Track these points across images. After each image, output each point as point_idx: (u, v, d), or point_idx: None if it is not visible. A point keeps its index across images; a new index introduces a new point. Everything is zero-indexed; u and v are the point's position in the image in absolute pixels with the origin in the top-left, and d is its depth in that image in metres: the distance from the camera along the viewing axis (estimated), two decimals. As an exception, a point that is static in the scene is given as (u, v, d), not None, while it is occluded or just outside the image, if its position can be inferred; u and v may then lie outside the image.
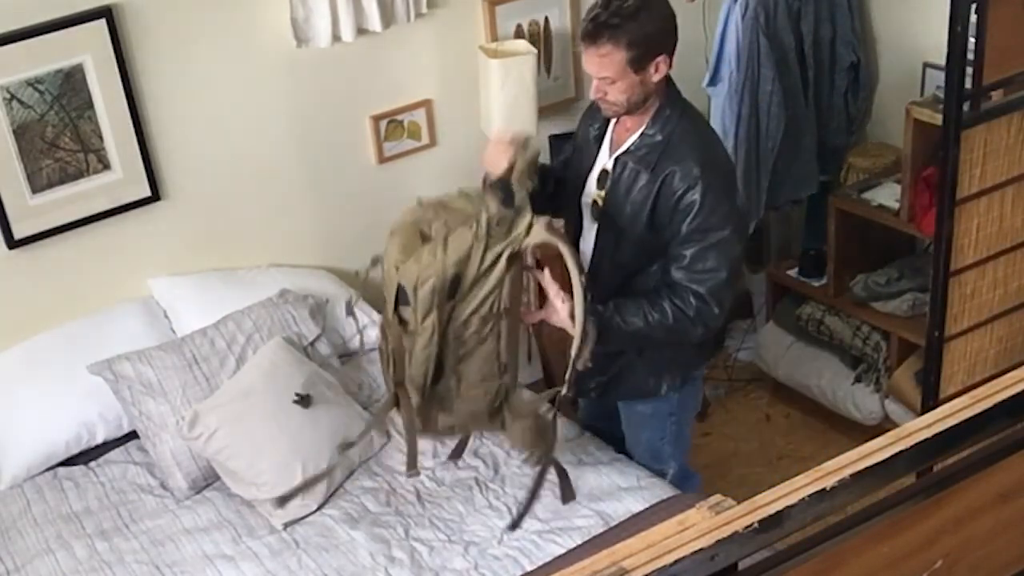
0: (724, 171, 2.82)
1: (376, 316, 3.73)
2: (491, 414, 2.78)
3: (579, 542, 2.91)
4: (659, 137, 2.76)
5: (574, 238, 2.97)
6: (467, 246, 2.62)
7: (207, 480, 3.21)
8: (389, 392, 2.83)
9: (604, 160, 2.89)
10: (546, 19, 4.09)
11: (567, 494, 2.86)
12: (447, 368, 2.71)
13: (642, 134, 2.79)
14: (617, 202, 2.83)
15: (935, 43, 3.47)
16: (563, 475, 2.83)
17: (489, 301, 2.65)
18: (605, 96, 2.74)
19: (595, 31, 2.65)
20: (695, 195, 2.69)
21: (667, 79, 2.79)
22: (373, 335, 3.68)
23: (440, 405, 2.76)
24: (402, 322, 2.69)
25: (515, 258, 2.64)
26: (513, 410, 2.79)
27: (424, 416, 2.76)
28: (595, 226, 2.91)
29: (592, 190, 2.91)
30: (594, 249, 2.91)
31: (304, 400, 3.17)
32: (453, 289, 2.63)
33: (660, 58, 2.68)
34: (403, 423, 2.84)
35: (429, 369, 2.69)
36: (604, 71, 2.68)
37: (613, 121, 2.88)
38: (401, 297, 2.68)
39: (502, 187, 2.68)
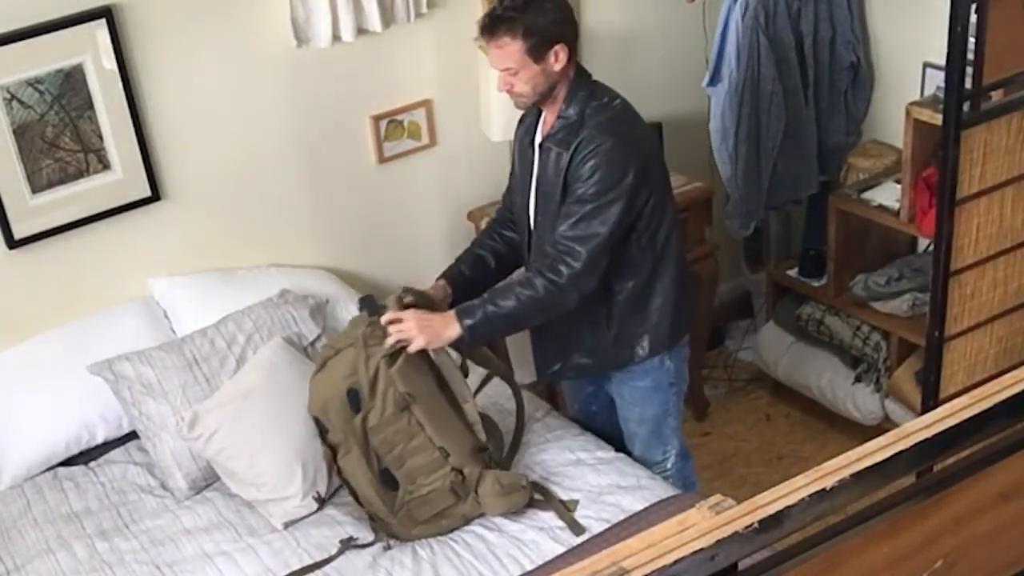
0: (635, 136, 2.91)
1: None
2: (457, 501, 2.94)
3: (579, 542, 2.91)
4: (574, 116, 2.88)
5: (525, 251, 3.11)
6: (351, 361, 2.92)
7: (207, 480, 3.21)
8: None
9: (536, 164, 3.00)
10: (546, 19, 4.08)
11: (575, 529, 2.95)
12: (398, 477, 2.95)
13: (558, 117, 2.90)
14: (547, 185, 2.93)
15: (935, 43, 3.47)
16: (563, 512, 2.97)
17: (390, 399, 2.89)
18: (512, 88, 2.89)
19: (492, 24, 2.83)
20: (593, 159, 2.82)
21: (575, 67, 2.92)
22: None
23: (410, 516, 2.95)
24: (333, 450, 3.01)
25: (393, 357, 2.88)
26: (479, 487, 2.95)
27: (405, 532, 2.95)
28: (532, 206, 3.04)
29: (534, 196, 3.03)
30: (532, 223, 3.03)
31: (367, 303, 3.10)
32: (354, 402, 2.93)
33: (558, 46, 2.82)
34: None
35: (375, 480, 2.95)
36: (505, 62, 2.84)
37: (541, 122, 2.99)
38: (320, 428, 3.03)
39: (367, 303, 3.02)
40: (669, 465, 3.24)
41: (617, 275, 2.96)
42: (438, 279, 3.16)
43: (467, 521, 2.97)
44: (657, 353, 3.09)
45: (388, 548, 2.91)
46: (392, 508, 2.96)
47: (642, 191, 2.87)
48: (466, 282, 3.13)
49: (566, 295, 2.87)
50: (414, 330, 2.86)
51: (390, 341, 2.87)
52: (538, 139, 2.99)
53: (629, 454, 3.24)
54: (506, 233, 3.23)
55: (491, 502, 2.94)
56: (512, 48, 2.81)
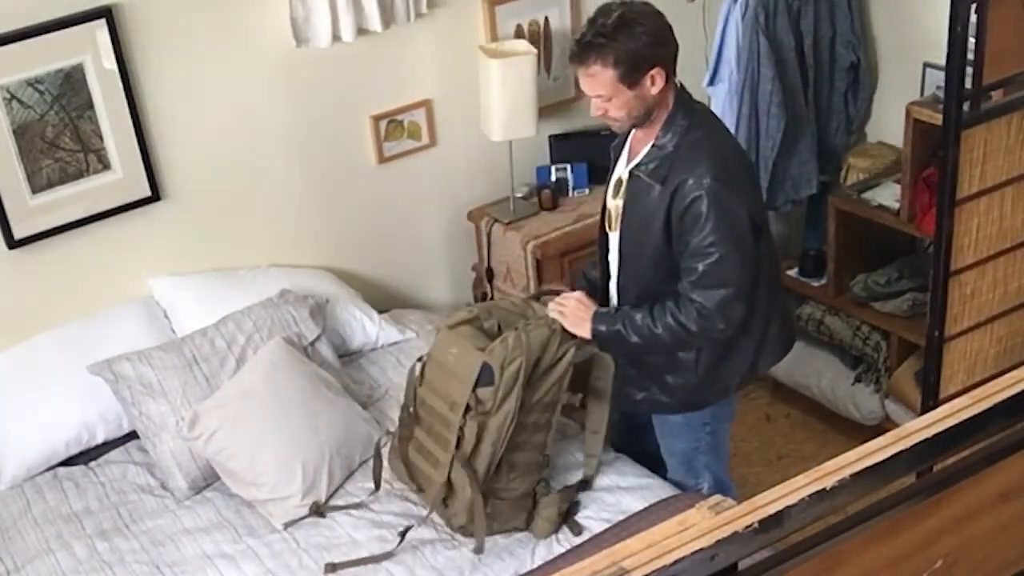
0: (737, 180, 2.77)
1: (376, 315, 3.74)
2: (520, 509, 2.94)
3: (579, 542, 2.91)
4: (669, 148, 2.75)
5: (601, 245, 3.04)
6: (545, 336, 2.84)
7: (207, 480, 3.21)
8: (439, 481, 2.91)
9: (621, 170, 2.90)
10: (546, 19, 4.09)
11: (575, 529, 2.97)
12: (503, 462, 2.90)
13: (653, 146, 2.78)
14: (633, 215, 2.83)
15: (935, 43, 3.46)
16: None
17: (552, 391, 2.88)
18: (606, 113, 2.76)
19: (581, 52, 2.68)
20: (702, 207, 2.68)
21: (675, 87, 2.78)
22: (374, 334, 3.70)
23: (488, 493, 2.89)
24: (479, 402, 2.84)
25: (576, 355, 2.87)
26: (540, 506, 2.95)
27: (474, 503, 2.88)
28: (614, 234, 2.93)
29: (610, 200, 2.94)
30: (618, 260, 2.92)
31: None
32: (531, 373, 2.84)
33: (654, 71, 2.68)
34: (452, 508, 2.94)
35: (498, 451, 2.86)
36: (596, 90, 2.71)
37: (631, 140, 2.89)
38: (484, 377, 2.84)
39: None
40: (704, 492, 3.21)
41: None
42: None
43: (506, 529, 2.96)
44: (723, 398, 3.05)
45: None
46: (486, 474, 2.88)
47: (751, 231, 2.77)
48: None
49: (696, 342, 2.83)
50: (568, 311, 2.87)
51: (551, 312, 2.89)
52: (625, 152, 2.89)
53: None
54: None
55: (542, 526, 2.94)
56: (603, 76, 2.67)
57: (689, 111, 2.78)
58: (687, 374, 2.93)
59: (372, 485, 3.11)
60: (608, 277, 3.01)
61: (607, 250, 3.00)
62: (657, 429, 3.16)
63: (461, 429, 2.84)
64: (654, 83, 2.69)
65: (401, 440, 3.04)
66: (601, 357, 2.97)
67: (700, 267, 2.72)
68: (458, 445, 2.86)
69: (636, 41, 2.65)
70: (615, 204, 2.90)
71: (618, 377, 2.99)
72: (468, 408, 2.84)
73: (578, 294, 2.92)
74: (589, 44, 2.66)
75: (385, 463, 3.10)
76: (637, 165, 2.81)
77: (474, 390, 2.83)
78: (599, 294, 3.03)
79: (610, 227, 2.93)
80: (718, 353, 2.91)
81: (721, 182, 2.69)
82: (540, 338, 2.84)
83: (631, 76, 2.67)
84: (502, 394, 2.81)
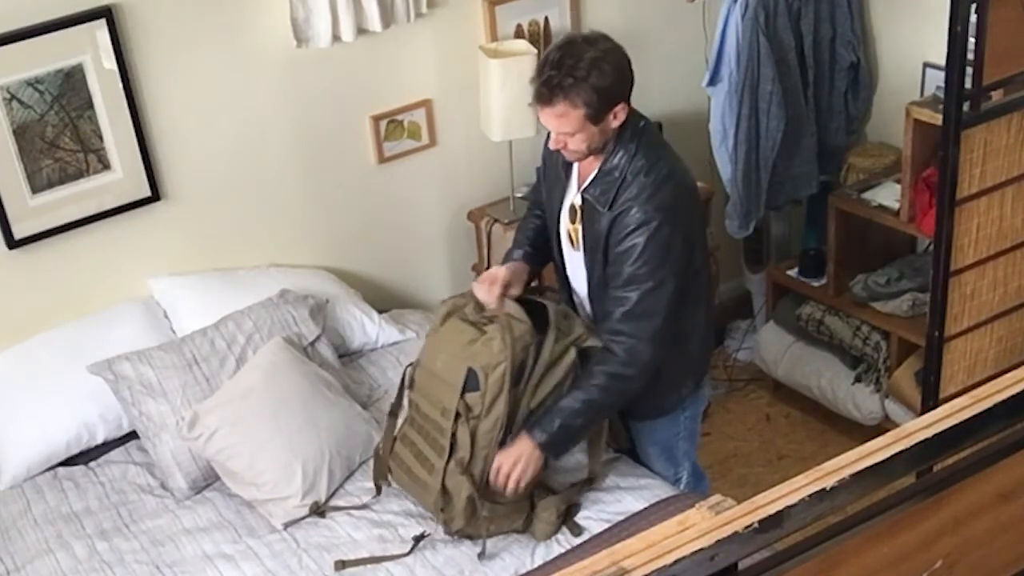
0: (678, 205, 2.77)
1: (376, 315, 3.74)
2: (518, 511, 2.92)
3: (579, 542, 2.91)
4: (615, 175, 2.75)
5: (558, 264, 3.02)
6: (529, 334, 2.78)
7: (207, 480, 3.21)
8: (435, 487, 2.88)
9: (573, 194, 2.90)
10: (546, 19, 4.09)
11: (575, 529, 2.96)
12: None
13: (599, 170, 2.79)
14: (591, 235, 2.84)
15: (935, 43, 3.47)
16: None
17: (554, 393, 2.84)
18: (566, 146, 2.74)
19: (550, 93, 2.65)
20: (639, 238, 2.71)
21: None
22: (374, 334, 3.70)
23: (485, 496, 2.87)
24: (468, 408, 2.82)
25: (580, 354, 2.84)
26: (538, 508, 2.94)
27: (470, 511, 2.86)
28: (577, 253, 2.92)
29: (566, 224, 2.94)
30: (587, 278, 2.92)
31: None
32: (519, 375, 2.80)
33: (618, 107, 2.69)
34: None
35: (491, 454, 2.84)
36: (562, 128, 2.69)
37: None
38: (471, 382, 2.82)
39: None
40: (682, 485, 3.22)
41: None
42: (511, 260, 3.03)
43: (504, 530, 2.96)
44: (696, 391, 3.10)
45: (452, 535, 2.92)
46: (478, 488, 2.88)
47: (685, 255, 2.79)
48: (535, 254, 3.06)
49: (635, 385, 2.84)
50: (517, 473, 2.82)
51: (509, 490, 2.85)
52: (574, 174, 2.87)
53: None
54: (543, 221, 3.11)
55: (541, 528, 2.93)
56: (571, 116, 2.65)
57: (636, 132, 2.77)
58: (655, 387, 2.94)
59: (372, 485, 3.11)
60: (570, 293, 3.01)
61: (563, 265, 3.00)
62: (635, 426, 3.17)
63: (454, 435, 2.85)
64: (616, 118, 2.71)
65: (387, 440, 3.05)
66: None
67: (634, 296, 2.74)
68: (452, 451, 2.86)
69: (604, 81, 2.63)
70: (573, 228, 2.90)
71: None
72: (458, 414, 2.85)
73: (506, 461, 2.82)
74: (558, 86, 2.63)
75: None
76: (586, 188, 2.82)
77: (462, 396, 2.83)
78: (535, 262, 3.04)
79: (573, 246, 2.92)
80: (674, 358, 2.93)
81: (662, 215, 2.71)
82: (523, 341, 2.81)
83: (598, 115, 2.66)
84: (489, 399, 2.82)
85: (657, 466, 3.20)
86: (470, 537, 2.91)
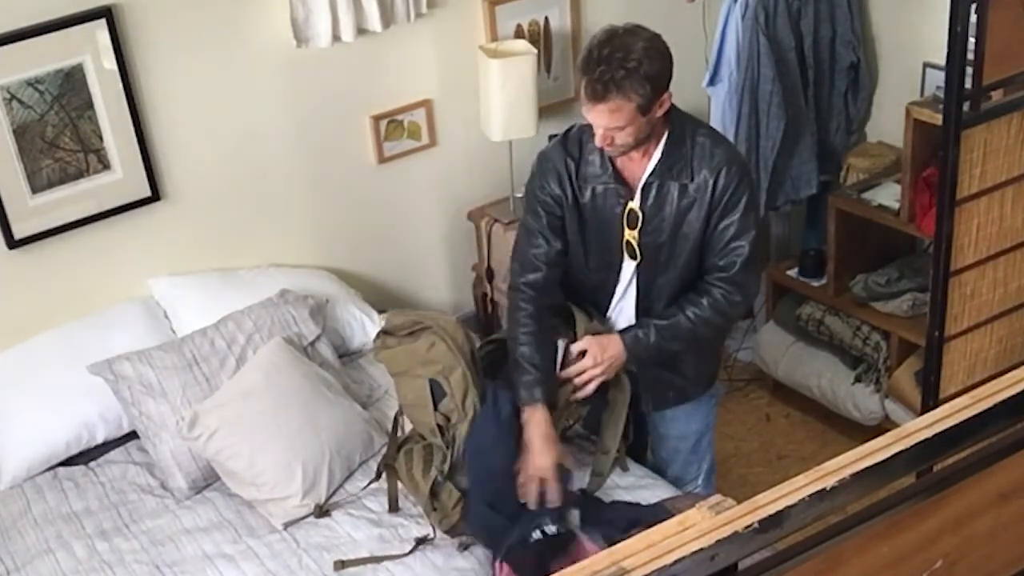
0: (747, 165, 2.98)
1: (376, 315, 3.74)
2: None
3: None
4: (683, 148, 2.77)
5: (607, 290, 2.97)
6: (456, 323, 2.93)
7: (207, 480, 3.21)
8: (423, 495, 2.94)
9: (630, 202, 2.83)
10: (546, 19, 4.09)
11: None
12: None
13: (663, 154, 2.77)
14: (660, 224, 2.81)
15: (935, 43, 3.46)
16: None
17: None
18: (612, 142, 2.70)
19: (604, 90, 2.60)
20: (741, 191, 2.78)
21: None
22: (374, 334, 3.70)
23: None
24: (447, 418, 2.89)
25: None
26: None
27: (466, 507, 2.89)
28: (634, 263, 2.89)
29: (625, 232, 2.85)
30: (638, 283, 2.91)
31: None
32: (476, 366, 2.89)
33: (665, 95, 2.68)
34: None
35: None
36: (615, 123, 2.65)
37: (620, 164, 2.81)
38: (437, 393, 2.89)
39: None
40: (700, 480, 3.23)
41: None
42: (531, 404, 2.85)
43: None
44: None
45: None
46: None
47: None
48: (548, 375, 2.89)
49: (728, 324, 2.97)
50: (602, 368, 2.85)
51: (583, 384, 2.88)
52: (618, 192, 2.81)
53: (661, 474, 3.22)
54: (548, 302, 2.93)
55: None
56: (625, 109, 2.61)
57: (682, 117, 2.81)
58: (709, 359, 3.10)
59: (372, 484, 3.12)
60: (606, 309, 2.99)
61: (613, 286, 2.95)
62: (668, 420, 3.16)
63: (448, 447, 2.90)
64: (662, 107, 2.69)
65: (391, 450, 3.11)
66: (621, 378, 2.97)
67: (746, 246, 2.80)
68: (444, 459, 2.92)
69: (654, 69, 2.61)
70: (632, 235, 2.84)
71: (641, 386, 3.02)
72: (442, 429, 2.90)
73: (598, 351, 2.84)
74: (611, 80, 2.58)
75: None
76: (651, 174, 2.79)
77: (436, 409, 2.90)
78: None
79: (632, 257, 2.88)
80: (720, 337, 3.10)
81: (744, 168, 2.84)
82: (453, 327, 2.92)
83: (649, 105, 2.64)
84: (460, 398, 2.86)
85: (678, 460, 3.21)
86: (463, 534, 2.92)
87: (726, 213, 2.78)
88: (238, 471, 3.12)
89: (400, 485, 3.07)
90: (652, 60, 2.60)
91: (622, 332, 2.89)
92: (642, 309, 2.93)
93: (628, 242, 2.87)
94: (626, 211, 2.84)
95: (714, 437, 3.28)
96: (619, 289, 2.95)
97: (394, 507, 3.06)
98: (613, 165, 2.80)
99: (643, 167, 2.80)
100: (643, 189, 2.80)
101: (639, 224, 2.82)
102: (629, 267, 2.92)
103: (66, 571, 2.96)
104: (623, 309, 2.97)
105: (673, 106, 2.76)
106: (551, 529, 2.74)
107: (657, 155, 2.78)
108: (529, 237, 2.89)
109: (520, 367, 2.84)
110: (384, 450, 3.18)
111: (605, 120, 2.65)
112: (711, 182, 2.76)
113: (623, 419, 3.02)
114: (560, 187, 2.83)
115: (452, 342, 2.89)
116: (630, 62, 2.58)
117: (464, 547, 2.90)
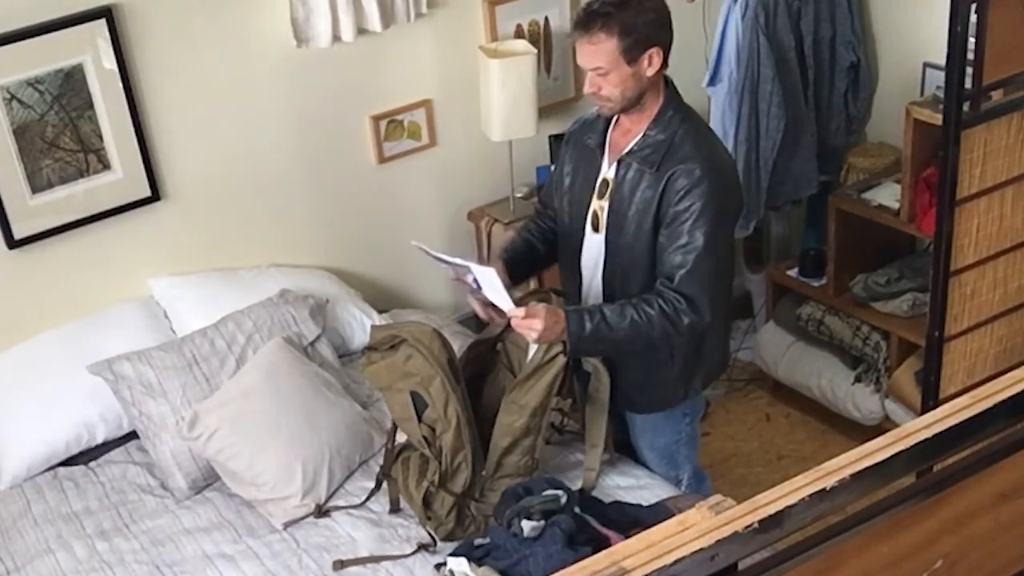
0: (725, 171, 2.81)
1: (376, 315, 3.74)
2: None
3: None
4: (662, 136, 2.75)
5: (573, 253, 2.98)
6: (428, 330, 2.91)
7: (207, 480, 3.21)
8: (417, 505, 2.94)
9: (605, 170, 2.87)
10: (546, 19, 4.09)
11: None
12: (489, 458, 2.93)
13: (644, 135, 2.78)
14: (622, 205, 2.81)
15: (935, 43, 3.47)
16: None
17: (542, 394, 2.88)
18: (599, 91, 2.73)
19: (588, 19, 2.67)
20: (695, 198, 2.69)
21: (667, 81, 2.80)
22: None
23: (475, 495, 2.93)
24: (431, 429, 2.89)
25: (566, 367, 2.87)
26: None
27: (459, 513, 2.92)
28: (598, 236, 2.90)
29: (595, 202, 2.90)
30: (604, 262, 2.90)
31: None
32: (455, 373, 2.88)
33: (653, 50, 2.68)
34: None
35: (468, 456, 2.88)
36: (596, 60, 2.69)
37: (611, 129, 2.87)
38: (419, 404, 2.90)
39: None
40: (683, 488, 3.22)
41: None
42: (494, 259, 3.06)
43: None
44: (701, 391, 3.09)
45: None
46: (476, 484, 2.92)
47: (730, 232, 2.83)
48: (520, 266, 3.05)
49: (678, 338, 2.81)
50: (538, 323, 2.71)
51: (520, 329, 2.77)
52: (606, 151, 2.85)
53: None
54: (549, 225, 3.10)
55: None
56: (607, 46, 2.65)
57: (679, 107, 2.80)
58: (665, 373, 2.96)
59: (372, 484, 3.12)
60: (580, 283, 2.98)
61: (579, 254, 2.97)
62: (637, 425, 3.16)
63: (437, 458, 2.90)
64: (651, 63, 2.70)
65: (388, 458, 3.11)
66: (599, 369, 2.96)
67: (692, 258, 2.71)
68: (427, 471, 2.93)
69: (644, 16, 2.66)
70: (599, 204, 2.87)
71: (614, 387, 2.98)
72: (428, 441, 2.91)
73: (543, 305, 2.78)
74: (596, 13, 2.66)
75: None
76: (627, 153, 2.80)
77: (420, 420, 2.90)
78: (519, 267, 3.04)
79: (595, 228, 2.90)
80: (692, 349, 2.93)
81: (715, 174, 2.72)
82: (431, 337, 2.89)
83: (632, 51, 2.67)
84: (440, 408, 2.86)
85: (658, 469, 3.20)
86: (459, 539, 2.92)
87: (675, 218, 2.72)
88: (238, 471, 3.12)
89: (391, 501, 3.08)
90: (643, 6, 2.67)
91: (569, 311, 2.79)
92: (608, 297, 2.90)
93: (595, 212, 2.89)
94: (599, 178, 2.87)
95: (695, 451, 3.22)
96: (584, 259, 2.94)
97: (395, 508, 3.06)
98: (607, 133, 2.86)
99: (627, 142, 2.82)
100: (619, 164, 2.82)
101: (607, 196, 2.84)
102: (595, 241, 2.91)
103: (66, 571, 2.96)
104: (592, 288, 2.95)
105: (675, 94, 2.79)
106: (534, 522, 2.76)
107: (639, 137, 2.79)
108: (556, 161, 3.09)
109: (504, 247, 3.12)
110: (384, 450, 3.18)
111: (588, 55, 2.70)
112: (666, 179, 2.72)
113: (606, 412, 2.99)
114: (576, 130, 2.98)
115: (428, 352, 2.87)
116: (620, 2, 2.65)
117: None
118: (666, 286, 2.75)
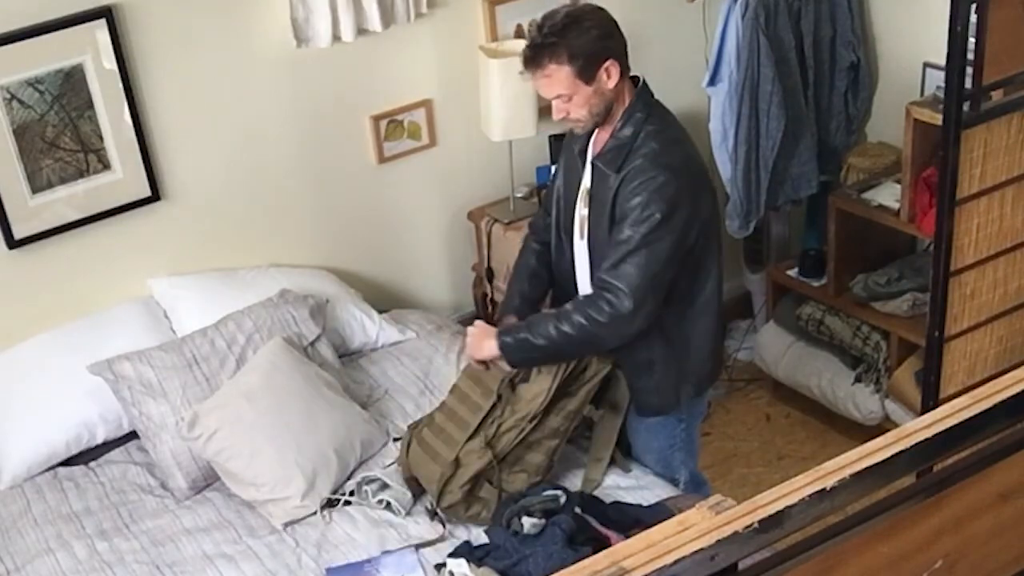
0: (681, 171, 2.76)
1: (376, 315, 3.74)
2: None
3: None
4: (625, 137, 2.77)
5: (568, 262, 2.99)
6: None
7: (207, 480, 3.21)
8: (448, 458, 2.94)
9: (586, 177, 2.88)
10: (546, 19, 4.08)
11: None
12: (520, 450, 2.93)
13: (613, 136, 2.80)
14: (597, 210, 2.83)
15: (935, 43, 3.46)
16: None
17: (582, 401, 2.92)
18: (568, 115, 2.77)
19: (534, 55, 2.71)
20: (643, 198, 2.70)
21: (636, 82, 2.82)
22: (374, 334, 3.70)
23: (487, 477, 2.93)
24: (512, 395, 2.92)
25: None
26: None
27: (470, 490, 2.92)
28: (583, 243, 2.91)
29: (581, 211, 2.90)
30: (589, 268, 2.90)
31: None
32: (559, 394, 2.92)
33: (607, 63, 2.71)
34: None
35: (513, 437, 2.89)
36: (556, 89, 2.72)
37: (593, 138, 2.87)
38: (525, 374, 2.93)
39: None
40: (680, 492, 3.23)
41: (659, 319, 2.83)
42: (505, 316, 3.06)
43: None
44: (695, 397, 3.08)
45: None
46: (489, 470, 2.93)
47: (691, 231, 2.76)
48: (530, 304, 3.08)
49: (604, 336, 2.77)
50: (470, 337, 2.91)
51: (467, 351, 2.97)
52: (591, 155, 2.86)
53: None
54: (543, 246, 3.12)
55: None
56: (560, 74, 2.69)
57: (647, 105, 2.80)
58: (646, 380, 2.96)
59: (373, 486, 3.12)
60: (576, 293, 2.97)
61: (573, 263, 2.97)
62: (632, 430, 3.16)
63: (488, 414, 2.90)
64: (610, 76, 2.72)
65: (416, 426, 3.10)
66: (619, 378, 2.96)
67: (622, 252, 2.71)
68: (480, 428, 2.90)
69: (586, 36, 2.69)
70: (583, 212, 2.88)
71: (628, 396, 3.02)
72: (500, 396, 2.90)
73: (478, 322, 2.96)
74: (541, 46, 2.70)
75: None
76: (597, 157, 2.82)
77: (511, 381, 2.91)
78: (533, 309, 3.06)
79: (581, 236, 2.91)
80: (676, 356, 2.93)
81: (668, 173, 2.71)
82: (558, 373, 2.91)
83: (587, 71, 2.69)
84: (534, 392, 2.88)
85: (656, 471, 3.20)
86: (456, 517, 2.93)
87: (622, 217, 2.72)
88: (238, 471, 3.12)
89: (405, 481, 3.07)
90: (581, 26, 2.69)
91: (502, 329, 2.91)
92: None
93: (581, 219, 2.90)
94: (580, 187, 2.89)
95: (692, 458, 3.21)
96: (578, 266, 2.95)
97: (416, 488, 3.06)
98: (590, 139, 2.87)
99: (599, 146, 2.84)
100: (593, 169, 2.83)
101: (588, 202, 2.85)
102: (582, 248, 2.92)
103: (66, 571, 2.96)
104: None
105: (644, 93, 2.79)
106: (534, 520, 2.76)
107: (606, 137, 2.81)
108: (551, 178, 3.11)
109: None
110: (384, 450, 3.19)
111: (546, 87, 2.74)
112: (621, 179, 2.73)
113: (617, 428, 3.03)
114: (568, 139, 3.00)
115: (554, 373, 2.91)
116: (556, 27, 2.68)
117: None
118: (595, 279, 2.79)
